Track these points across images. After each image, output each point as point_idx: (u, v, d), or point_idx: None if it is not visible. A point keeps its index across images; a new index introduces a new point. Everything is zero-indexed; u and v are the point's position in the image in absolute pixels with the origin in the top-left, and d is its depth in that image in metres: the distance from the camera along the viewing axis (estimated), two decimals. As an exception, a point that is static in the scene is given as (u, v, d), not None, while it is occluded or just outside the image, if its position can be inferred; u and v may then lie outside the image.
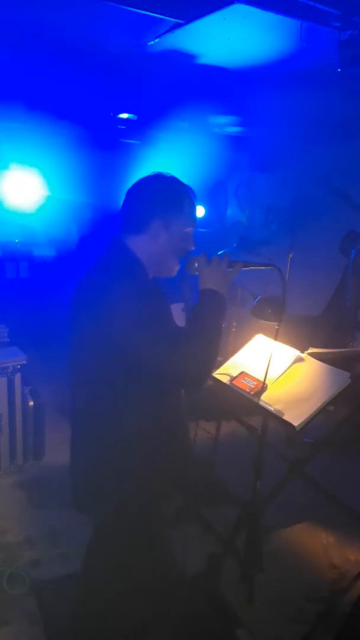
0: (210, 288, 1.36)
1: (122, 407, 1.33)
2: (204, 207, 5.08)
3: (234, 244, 4.41)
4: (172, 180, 1.41)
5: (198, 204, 1.59)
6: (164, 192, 1.38)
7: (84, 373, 1.38)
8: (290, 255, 4.18)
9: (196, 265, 1.40)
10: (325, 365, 1.80)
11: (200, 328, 1.30)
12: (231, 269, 1.40)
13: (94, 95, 3.49)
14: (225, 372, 1.92)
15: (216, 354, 1.32)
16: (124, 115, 3.81)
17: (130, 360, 1.25)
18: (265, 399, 1.73)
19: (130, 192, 1.42)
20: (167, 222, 1.36)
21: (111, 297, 1.23)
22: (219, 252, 1.42)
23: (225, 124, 4.24)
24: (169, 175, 1.42)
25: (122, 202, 1.43)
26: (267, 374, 1.78)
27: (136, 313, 1.23)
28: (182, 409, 1.47)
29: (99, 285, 1.30)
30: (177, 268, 1.44)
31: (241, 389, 1.79)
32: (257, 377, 1.80)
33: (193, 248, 1.43)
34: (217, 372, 1.95)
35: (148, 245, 1.37)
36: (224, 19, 2.11)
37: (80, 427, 1.45)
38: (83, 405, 1.42)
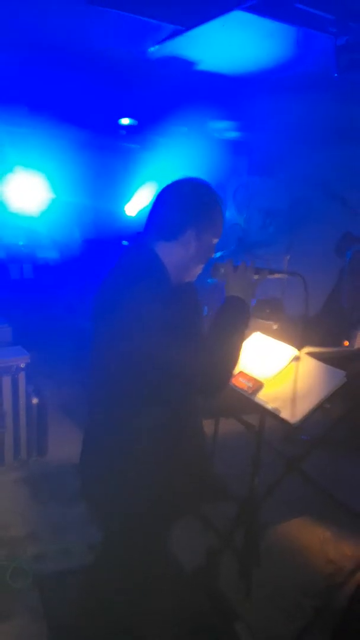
0: (236, 295, 1.33)
1: (139, 409, 1.30)
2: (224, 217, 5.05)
3: (232, 247, 4.40)
4: (208, 189, 1.36)
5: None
6: (200, 201, 1.33)
7: (104, 374, 1.36)
8: (287, 257, 4.17)
9: (222, 271, 1.37)
10: (321, 363, 1.79)
11: (223, 335, 1.27)
12: (257, 276, 1.38)
13: (96, 100, 3.48)
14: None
15: (235, 361, 1.29)
16: (125, 120, 3.80)
17: (149, 363, 1.23)
18: (263, 397, 1.72)
19: (163, 197, 1.36)
20: (199, 232, 1.32)
21: (132, 298, 1.21)
22: (217, 254, 1.41)
23: (224, 128, 4.24)
24: (204, 181, 1.37)
25: (152, 204, 1.37)
26: (264, 372, 1.77)
27: (156, 316, 1.19)
28: (199, 412, 1.44)
29: (121, 287, 1.27)
30: (198, 273, 1.42)
31: (239, 387, 1.78)
32: (254, 376, 1.79)
33: (213, 256, 1.41)
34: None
35: (176, 253, 1.33)
36: (223, 25, 2.11)
37: (97, 425, 1.42)
38: (101, 404, 1.39)
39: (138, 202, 4.84)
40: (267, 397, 1.71)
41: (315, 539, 2.53)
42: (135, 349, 1.22)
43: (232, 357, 1.27)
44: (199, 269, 1.40)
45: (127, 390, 1.30)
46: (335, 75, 2.00)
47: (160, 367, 1.23)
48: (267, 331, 2.06)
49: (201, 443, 1.47)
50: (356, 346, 3.16)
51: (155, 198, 1.38)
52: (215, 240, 1.38)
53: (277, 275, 1.44)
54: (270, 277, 1.41)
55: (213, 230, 1.36)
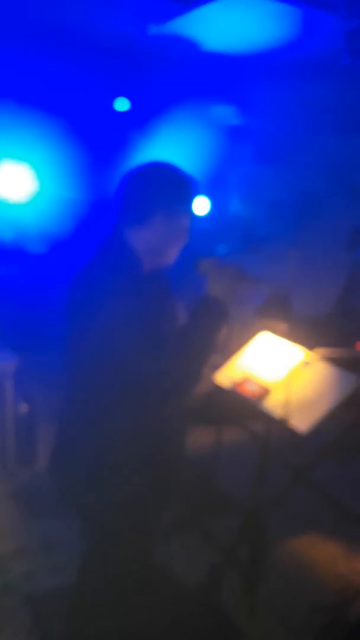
0: (215, 295, 1.35)
1: (111, 411, 1.33)
2: (195, 195, 5.06)
3: (237, 240, 4.42)
4: (174, 170, 1.39)
5: (201, 197, 1.59)
6: (167, 183, 1.36)
7: (74, 374, 1.39)
8: (294, 252, 4.20)
9: (206, 267, 1.39)
10: (332, 367, 1.80)
11: (194, 335, 1.29)
12: (240, 283, 1.40)
13: (90, 85, 3.50)
14: (226, 374, 1.93)
15: (205, 364, 1.32)
16: (122, 106, 3.82)
17: (116, 361, 1.25)
18: (269, 404, 1.74)
19: (129, 181, 1.39)
20: (168, 213, 1.36)
21: (98, 296, 1.24)
22: (221, 251, 1.43)
23: (227, 114, 4.26)
24: (168, 163, 1.40)
25: (117, 191, 1.40)
26: (271, 376, 1.79)
27: (120, 314, 1.22)
28: (176, 415, 1.46)
29: (88, 282, 1.30)
30: (176, 256, 1.44)
31: (244, 394, 1.80)
32: (260, 380, 1.81)
33: (187, 238, 1.43)
34: (218, 374, 1.96)
35: (149, 237, 1.36)
36: (227, 5, 2.13)
37: (68, 427, 1.45)
38: (72, 405, 1.43)
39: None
40: (274, 404, 1.72)
41: (324, 553, 2.55)
42: (101, 349, 1.25)
43: (200, 360, 1.29)
44: (175, 251, 1.43)
45: (97, 391, 1.33)
46: (347, 61, 2.03)
47: (128, 366, 1.25)
48: (274, 331, 2.08)
49: (179, 447, 1.49)
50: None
51: (119, 185, 1.40)
52: (187, 219, 1.41)
53: (255, 284, 1.46)
54: (248, 285, 1.44)
55: (182, 210, 1.38)
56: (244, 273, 1.43)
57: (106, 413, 1.34)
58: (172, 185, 1.37)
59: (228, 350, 2.35)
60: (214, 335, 1.32)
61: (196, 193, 1.44)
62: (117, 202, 1.41)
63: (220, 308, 1.34)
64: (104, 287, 1.25)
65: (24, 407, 3.02)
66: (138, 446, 1.37)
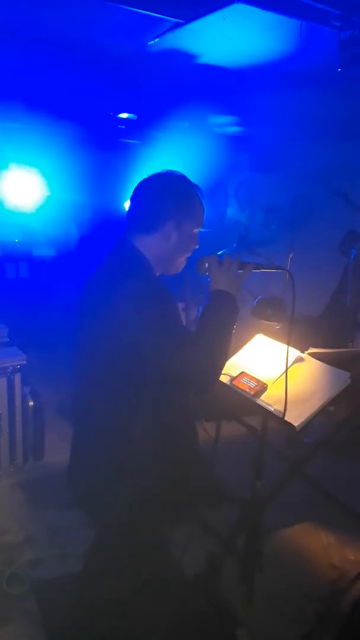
0: (221, 289, 1.34)
1: (130, 408, 1.32)
2: (205, 207, 5.07)
3: (234, 244, 4.41)
4: (184, 180, 1.38)
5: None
6: (177, 192, 1.36)
7: (91, 373, 1.37)
8: (291, 255, 4.19)
9: (207, 265, 1.38)
10: (325, 365, 1.80)
11: (210, 329, 1.28)
12: (242, 271, 1.39)
13: (94, 95, 3.49)
14: (225, 372, 1.92)
15: (226, 355, 1.31)
16: (124, 115, 3.81)
17: (139, 361, 1.24)
18: (265, 399, 1.73)
19: (140, 190, 1.38)
20: (179, 222, 1.35)
21: (119, 298, 1.22)
22: (219, 252, 1.42)
23: (225, 123, 4.25)
24: (179, 174, 1.39)
25: (130, 199, 1.40)
26: (267, 374, 1.78)
27: (144, 315, 1.22)
28: (190, 410, 1.46)
29: (106, 286, 1.28)
30: (182, 265, 1.43)
31: (241, 389, 1.79)
32: (257, 377, 1.80)
33: (197, 247, 1.42)
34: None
35: (158, 246, 1.35)
36: (224, 18, 2.12)
37: (85, 427, 1.43)
38: (89, 405, 1.40)
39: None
40: (270, 399, 1.72)
41: (318, 544, 2.54)
42: (124, 350, 1.24)
43: (219, 352, 1.28)
44: (182, 261, 1.42)
45: (115, 391, 1.31)
46: (339, 69, 2.01)
47: (147, 364, 1.24)
48: (269, 332, 2.08)
49: (193, 444, 1.48)
50: (361, 347, 3.17)
51: (133, 193, 1.40)
52: (197, 230, 1.40)
53: (262, 270, 1.44)
54: (256, 271, 1.42)
55: (193, 220, 1.38)
56: (247, 262, 1.41)
57: (129, 412, 1.32)
58: (181, 194, 1.36)
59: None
60: (228, 325, 1.31)
61: (203, 204, 1.42)
62: (129, 210, 1.40)
63: (228, 299, 1.33)
64: (121, 292, 1.23)
65: (31, 402, 3.01)
66: (159, 442, 1.35)
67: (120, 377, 1.29)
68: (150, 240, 1.35)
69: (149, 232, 1.35)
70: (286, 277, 1.48)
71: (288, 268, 1.48)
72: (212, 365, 1.26)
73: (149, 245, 1.35)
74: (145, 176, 1.39)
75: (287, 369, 1.60)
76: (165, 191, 1.36)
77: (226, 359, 1.32)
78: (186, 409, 1.44)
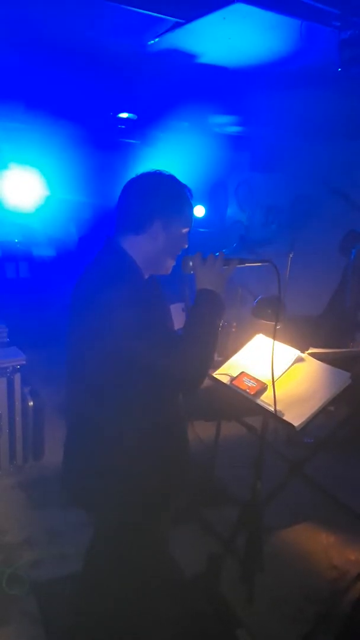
0: (206, 288, 1.34)
1: (120, 409, 1.32)
2: (205, 207, 5.08)
3: (234, 244, 4.41)
4: (172, 180, 1.38)
5: (197, 204, 1.58)
6: (165, 192, 1.35)
7: (81, 375, 1.37)
8: (291, 255, 4.19)
9: (191, 264, 1.38)
10: (325, 365, 1.80)
11: (197, 328, 1.29)
12: (226, 267, 1.38)
13: (94, 94, 3.49)
14: (225, 372, 1.92)
15: (213, 354, 1.31)
16: (124, 115, 3.81)
17: (125, 363, 1.25)
18: (266, 399, 1.73)
19: (127, 190, 1.38)
20: (166, 223, 1.34)
21: (105, 301, 1.22)
22: (217, 253, 1.41)
23: (225, 123, 4.25)
24: (167, 173, 1.38)
25: (118, 199, 1.39)
26: (267, 374, 1.78)
27: (130, 318, 1.21)
28: (180, 410, 1.47)
29: (93, 289, 1.28)
30: (172, 266, 1.43)
31: (241, 389, 1.79)
32: (257, 377, 1.80)
33: (187, 246, 1.42)
34: (217, 372, 1.95)
35: (146, 246, 1.35)
36: (224, 18, 2.12)
37: (77, 429, 1.44)
38: (80, 407, 1.41)
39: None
40: (270, 399, 1.72)
41: (318, 544, 2.54)
42: (111, 352, 1.24)
43: (206, 351, 1.29)
44: (171, 261, 1.41)
45: (104, 392, 1.32)
46: (339, 69, 2.01)
47: (139, 367, 1.25)
48: (269, 332, 2.07)
49: (183, 442, 1.48)
50: (361, 347, 3.17)
51: (121, 192, 1.39)
52: (185, 230, 1.39)
53: (247, 264, 1.43)
54: (240, 266, 1.41)
55: (182, 220, 1.37)
56: (231, 257, 1.40)
57: (119, 413, 1.32)
58: (168, 194, 1.35)
59: (226, 350, 2.34)
60: (214, 324, 1.31)
61: (192, 204, 1.41)
62: (117, 211, 1.40)
63: (213, 298, 1.33)
64: (108, 295, 1.23)
65: (31, 402, 3.01)
66: (150, 443, 1.35)
67: (108, 378, 1.30)
68: (138, 240, 1.34)
69: (137, 232, 1.34)
70: (274, 268, 1.47)
71: (287, 267, 1.48)
72: (198, 364, 1.27)
73: (137, 246, 1.34)
74: (133, 176, 1.39)
75: (272, 363, 1.59)
76: (153, 191, 1.35)
77: (212, 358, 1.32)
78: (176, 408, 1.44)
